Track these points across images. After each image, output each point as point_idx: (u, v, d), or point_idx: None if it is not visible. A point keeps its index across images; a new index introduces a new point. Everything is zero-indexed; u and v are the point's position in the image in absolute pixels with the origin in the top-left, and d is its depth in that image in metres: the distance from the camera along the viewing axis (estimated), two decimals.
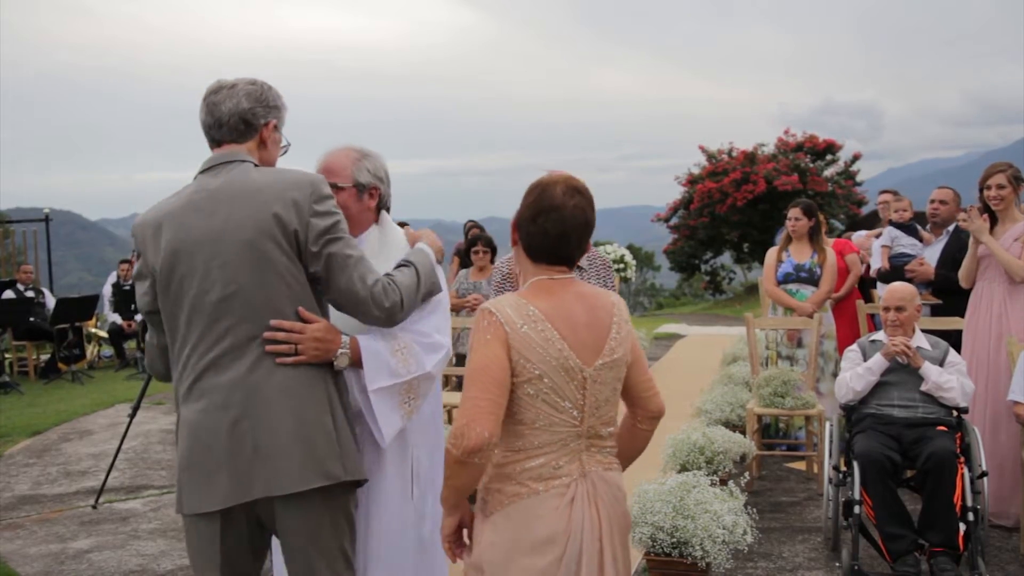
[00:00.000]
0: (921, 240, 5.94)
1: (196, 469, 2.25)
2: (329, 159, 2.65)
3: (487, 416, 1.97)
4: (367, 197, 2.64)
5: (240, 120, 2.36)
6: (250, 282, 2.22)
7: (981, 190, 4.83)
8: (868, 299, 6.79)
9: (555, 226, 2.11)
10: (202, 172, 2.37)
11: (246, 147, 2.38)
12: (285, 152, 2.53)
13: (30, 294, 11.39)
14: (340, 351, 2.35)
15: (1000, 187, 4.72)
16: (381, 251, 2.68)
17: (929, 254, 5.70)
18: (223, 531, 2.28)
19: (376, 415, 2.42)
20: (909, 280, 5.16)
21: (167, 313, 2.31)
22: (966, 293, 4.97)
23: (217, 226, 2.24)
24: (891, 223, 6.16)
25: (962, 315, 4.96)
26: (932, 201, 5.76)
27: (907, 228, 5.99)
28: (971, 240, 4.86)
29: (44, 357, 11.38)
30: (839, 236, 8.61)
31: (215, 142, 2.39)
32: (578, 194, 2.14)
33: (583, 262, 3.21)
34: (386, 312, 2.33)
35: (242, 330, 2.23)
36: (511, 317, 2.05)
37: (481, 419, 1.96)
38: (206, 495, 2.23)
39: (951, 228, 5.66)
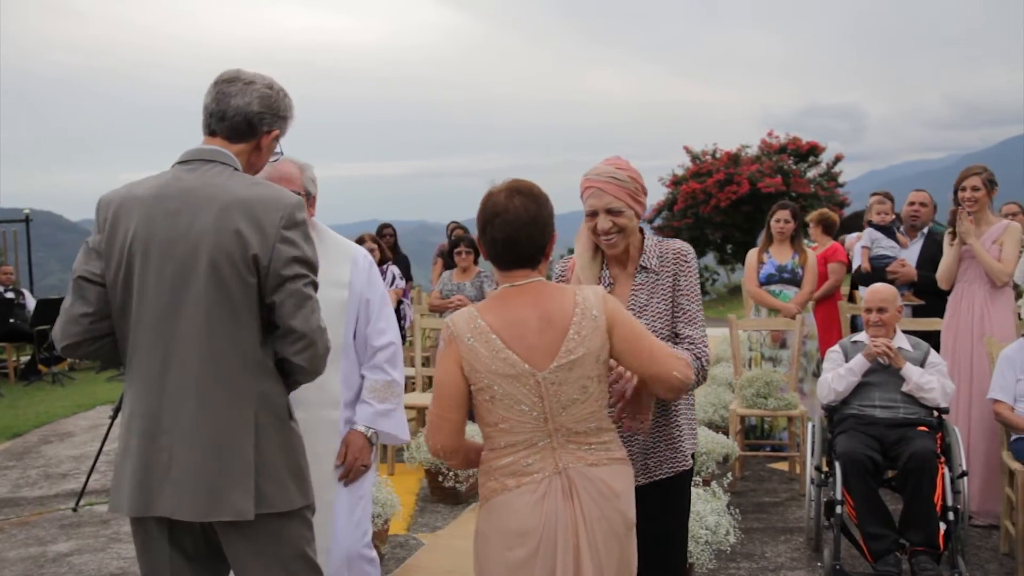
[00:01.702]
0: (897, 242, 5.98)
1: (119, 469, 2.21)
2: (281, 168, 2.73)
3: (439, 430, 2.21)
4: (309, 206, 2.81)
5: (244, 121, 2.23)
6: (196, 296, 2.10)
7: (956, 192, 4.88)
8: (851, 300, 6.81)
9: (501, 231, 2.15)
10: (180, 163, 2.22)
11: (238, 148, 2.24)
12: (275, 160, 2.47)
13: (10, 295, 11.27)
14: (370, 437, 2.84)
15: (975, 189, 4.78)
16: (323, 255, 2.70)
17: (906, 256, 5.73)
18: (171, 536, 2.20)
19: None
20: (891, 281, 5.18)
21: (118, 301, 2.18)
22: (948, 294, 5.00)
23: (180, 229, 2.11)
24: (870, 224, 6.19)
25: (943, 316, 5.00)
26: (912, 203, 5.78)
27: (886, 230, 6.03)
28: (946, 241, 4.91)
29: (24, 359, 11.28)
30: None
31: (210, 132, 2.25)
32: (519, 194, 2.15)
33: (652, 261, 2.55)
34: (323, 357, 2.19)
35: (182, 344, 2.12)
36: (461, 331, 2.15)
37: (434, 433, 2.22)
38: (119, 499, 2.20)
39: (925, 231, 5.72)
